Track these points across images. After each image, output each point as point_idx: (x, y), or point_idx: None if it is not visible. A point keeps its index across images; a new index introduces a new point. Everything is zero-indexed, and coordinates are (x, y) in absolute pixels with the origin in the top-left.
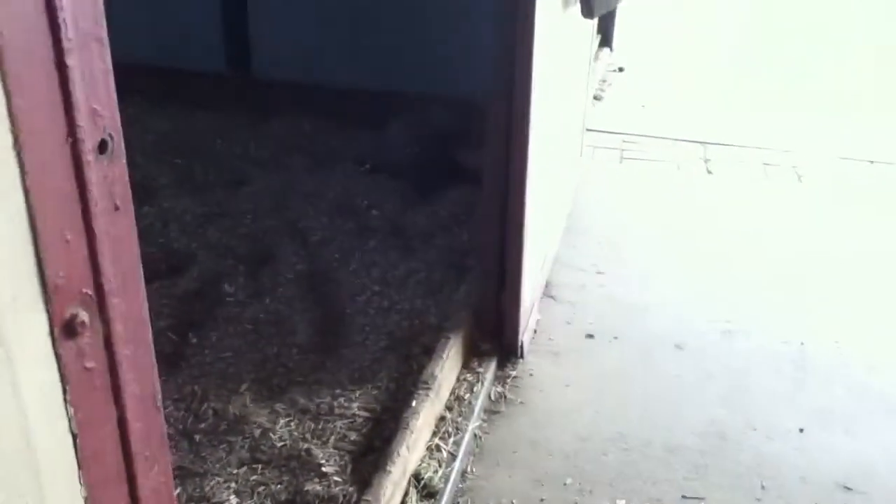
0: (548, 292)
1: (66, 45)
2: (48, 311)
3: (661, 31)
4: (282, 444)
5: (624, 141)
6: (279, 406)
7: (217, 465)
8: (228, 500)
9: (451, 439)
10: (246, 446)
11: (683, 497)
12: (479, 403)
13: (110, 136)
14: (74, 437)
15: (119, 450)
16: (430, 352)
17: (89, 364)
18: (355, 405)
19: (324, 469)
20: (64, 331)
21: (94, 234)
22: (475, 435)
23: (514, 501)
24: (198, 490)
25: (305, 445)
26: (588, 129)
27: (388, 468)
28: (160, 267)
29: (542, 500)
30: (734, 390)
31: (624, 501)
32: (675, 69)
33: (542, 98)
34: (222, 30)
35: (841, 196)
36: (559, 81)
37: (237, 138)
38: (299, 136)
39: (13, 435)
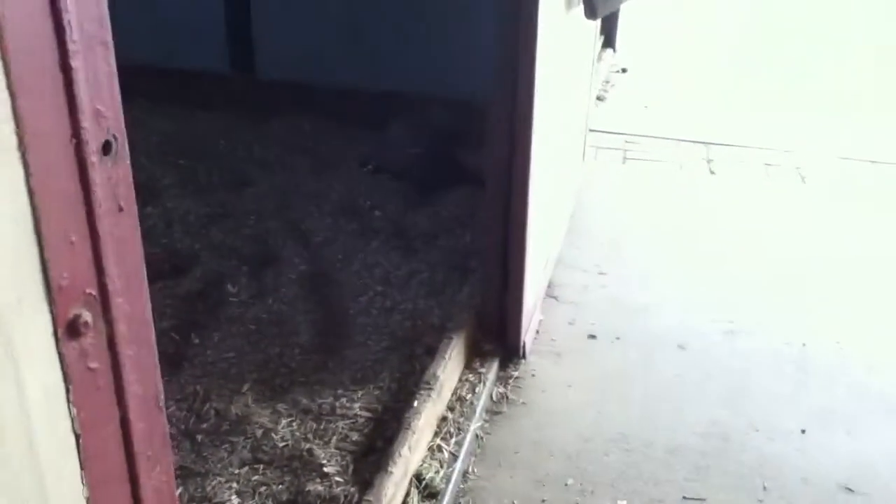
0: (550, 293)
1: (70, 47)
2: (52, 312)
3: (663, 31)
4: (283, 444)
5: (627, 141)
6: (281, 406)
7: (219, 466)
8: (230, 500)
9: (453, 440)
10: (248, 446)
11: (685, 498)
12: (481, 404)
13: (114, 137)
14: (77, 437)
15: (121, 450)
16: (432, 352)
17: (93, 364)
18: (357, 405)
19: (325, 469)
20: (67, 331)
21: (98, 235)
22: (477, 435)
23: (515, 502)
24: (199, 490)
25: (307, 446)
26: (591, 130)
27: (389, 468)
28: (163, 267)
29: (543, 500)
30: (736, 391)
31: (625, 502)
32: (677, 70)
33: (545, 99)
34: (225, 31)
35: (843, 196)
36: (562, 82)
37: (240, 139)
38: (302, 137)
39: (16, 435)
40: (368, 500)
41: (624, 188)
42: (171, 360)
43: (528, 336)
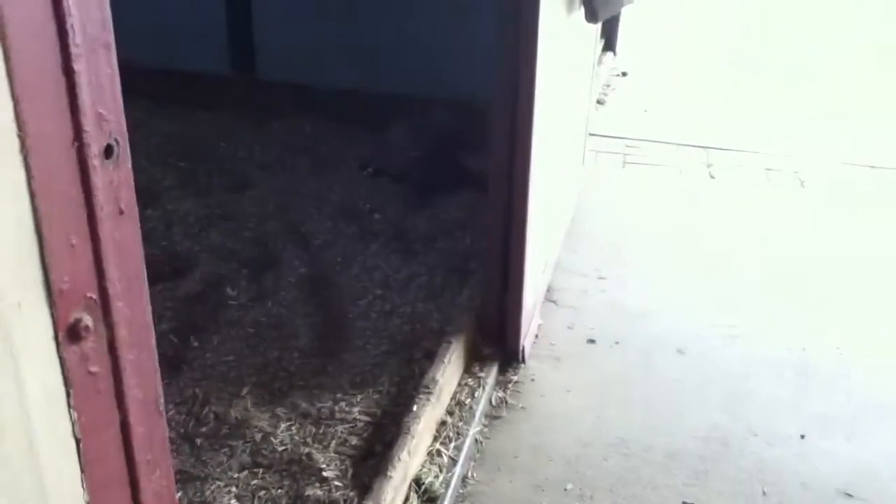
0: (549, 297)
1: (73, 50)
2: (52, 315)
3: (663, 33)
4: (283, 448)
5: (627, 145)
6: (280, 410)
7: (218, 470)
8: None
9: (452, 444)
10: (247, 450)
11: (684, 502)
12: (481, 408)
13: (116, 140)
14: (77, 441)
15: (121, 454)
16: (431, 356)
17: (93, 368)
18: (356, 409)
19: (324, 473)
20: (68, 335)
21: (99, 238)
22: (476, 440)
23: None
24: (199, 494)
25: (306, 450)
26: (591, 134)
27: (388, 473)
28: (163, 269)
29: None
30: (735, 396)
31: None
32: (677, 73)
33: (546, 102)
34: (226, 32)
35: (843, 201)
36: (562, 86)
37: (241, 141)
38: (302, 138)
39: (17, 439)
40: None
41: (624, 192)
42: (171, 364)
43: (527, 340)
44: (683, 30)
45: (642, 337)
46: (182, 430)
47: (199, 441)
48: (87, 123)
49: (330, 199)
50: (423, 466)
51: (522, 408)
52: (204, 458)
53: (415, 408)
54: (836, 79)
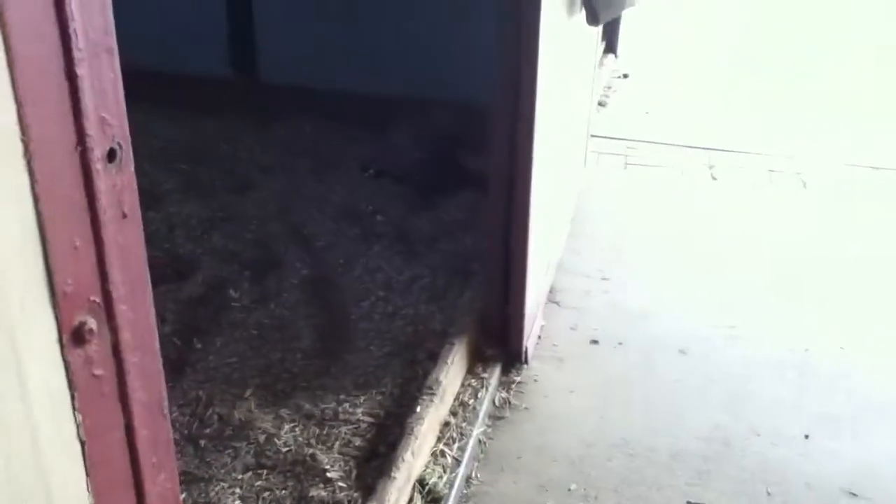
0: (552, 298)
1: (76, 55)
2: (57, 319)
3: (663, 34)
4: (286, 449)
5: (628, 147)
6: (284, 411)
7: (222, 471)
8: None
9: (456, 445)
10: (251, 452)
11: (688, 503)
12: (484, 409)
13: (119, 144)
14: (82, 444)
15: (126, 456)
16: (434, 357)
17: (97, 371)
18: (360, 411)
19: (328, 474)
20: (72, 338)
21: (103, 242)
22: (480, 440)
23: None
24: (203, 495)
25: (310, 451)
26: (592, 135)
27: (392, 474)
28: (165, 272)
29: None
30: (738, 396)
31: None
32: (678, 75)
33: (547, 103)
34: (227, 34)
35: (845, 202)
36: (563, 87)
37: (243, 143)
38: (303, 140)
39: (21, 442)
40: None
41: (625, 194)
42: (174, 366)
43: (530, 341)
44: (683, 31)
45: (645, 337)
46: (186, 432)
47: (202, 443)
48: (90, 127)
49: (331, 200)
50: (426, 467)
51: (526, 408)
52: (208, 460)
53: (418, 409)
54: (836, 79)
